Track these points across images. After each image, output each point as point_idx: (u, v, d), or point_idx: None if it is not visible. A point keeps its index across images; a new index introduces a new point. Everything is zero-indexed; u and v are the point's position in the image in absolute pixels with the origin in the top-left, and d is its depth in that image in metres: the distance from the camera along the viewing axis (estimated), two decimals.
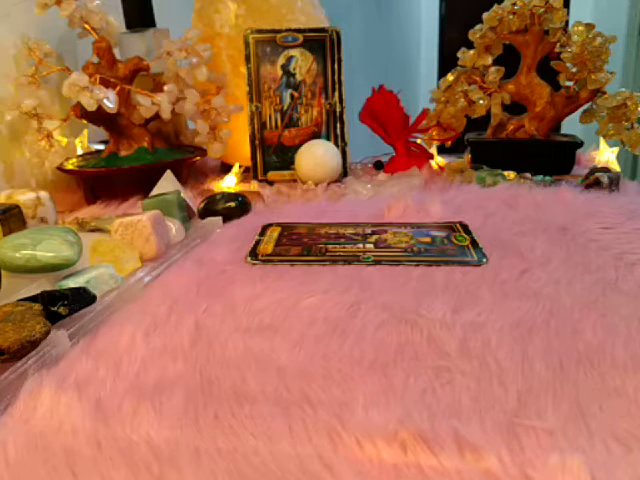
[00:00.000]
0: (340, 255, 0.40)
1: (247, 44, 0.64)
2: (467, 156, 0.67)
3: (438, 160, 0.69)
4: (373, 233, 0.44)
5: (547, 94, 0.63)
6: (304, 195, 0.59)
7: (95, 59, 0.62)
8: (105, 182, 0.62)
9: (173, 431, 0.21)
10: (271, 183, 0.65)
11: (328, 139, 0.66)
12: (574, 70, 0.61)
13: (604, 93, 0.60)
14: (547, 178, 0.59)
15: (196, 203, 0.52)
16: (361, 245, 0.42)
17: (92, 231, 0.48)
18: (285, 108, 0.66)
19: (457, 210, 0.48)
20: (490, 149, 0.66)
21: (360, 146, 0.73)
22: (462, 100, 0.64)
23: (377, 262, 0.38)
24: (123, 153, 0.64)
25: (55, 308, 0.30)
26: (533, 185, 0.56)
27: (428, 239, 0.42)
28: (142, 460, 0.20)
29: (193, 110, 0.64)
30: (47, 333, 0.28)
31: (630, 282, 0.33)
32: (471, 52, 0.65)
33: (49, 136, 0.61)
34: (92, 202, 0.61)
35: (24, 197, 0.47)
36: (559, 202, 0.50)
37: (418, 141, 0.70)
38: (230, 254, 0.41)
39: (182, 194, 0.50)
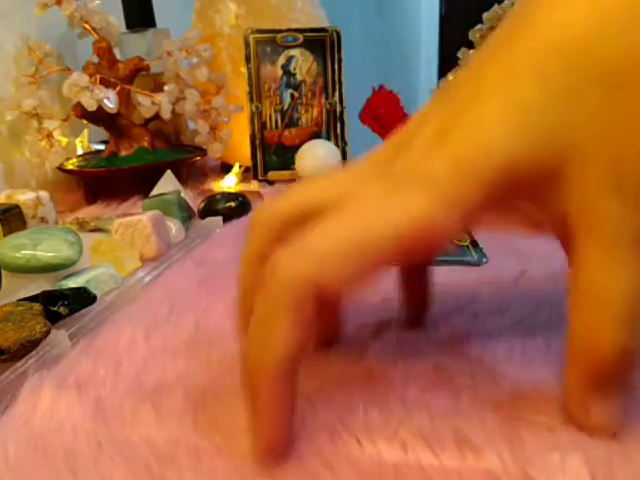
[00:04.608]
0: None
1: (247, 44, 0.64)
2: None
3: None
4: None
5: None
6: None
7: (95, 59, 0.62)
8: (105, 182, 0.62)
9: (173, 431, 0.21)
10: (271, 183, 0.65)
11: (328, 139, 0.66)
12: None
13: None
14: None
15: (196, 203, 0.52)
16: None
17: (92, 231, 0.48)
18: (285, 108, 0.66)
19: None
20: None
21: (360, 146, 0.72)
22: None
23: None
24: (123, 153, 0.64)
25: (55, 308, 0.30)
26: None
27: None
28: (142, 460, 0.20)
29: (193, 110, 0.64)
30: (47, 333, 0.28)
31: None
32: (471, 52, 0.65)
33: (49, 136, 0.61)
34: (92, 202, 0.61)
35: (24, 197, 0.48)
36: None
37: None
38: (230, 254, 0.41)
39: (182, 194, 0.50)
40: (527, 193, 0.18)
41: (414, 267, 0.27)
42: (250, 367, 0.19)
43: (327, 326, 0.26)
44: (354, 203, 0.19)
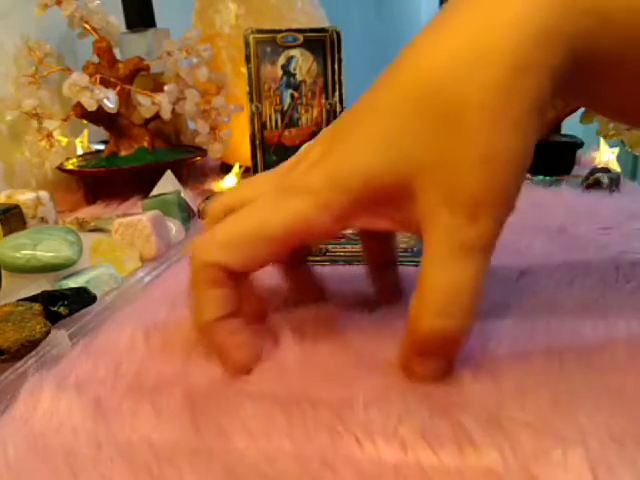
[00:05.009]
0: (340, 255, 0.40)
1: (247, 44, 0.64)
2: None
3: None
4: None
5: None
6: None
7: (95, 59, 0.62)
8: (105, 182, 0.62)
9: (173, 431, 0.21)
10: None
11: None
12: None
13: None
14: (547, 178, 0.59)
15: (196, 203, 0.52)
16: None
17: (92, 231, 0.48)
18: (285, 108, 0.66)
19: None
20: None
21: None
22: None
23: None
24: (123, 153, 0.64)
25: (55, 308, 0.30)
26: (533, 185, 0.56)
27: None
28: (142, 460, 0.20)
29: (193, 110, 0.64)
30: (47, 333, 0.28)
31: (630, 282, 0.33)
32: None
33: (49, 136, 0.61)
34: (92, 202, 0.61)
35: (24, 197, 0.48)
36: (559, 202, 0.50)
37: None
38: None
39: (182, 194, 0.50)
40: (390, 202, 0.23)
41: (375, 235, 0.30)
42: (195, 329, 0.26)
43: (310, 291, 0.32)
44: (256, 205, 0.25)
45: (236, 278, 0.25)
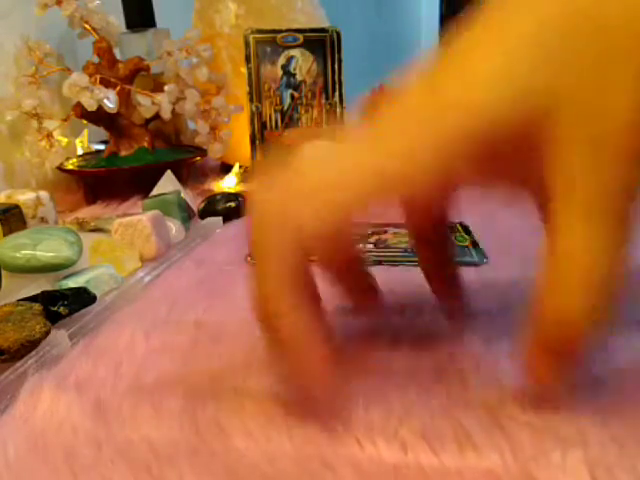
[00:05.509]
0: None
1: (247, 44, 0.64)
2: None
3: None
4: (373, 233, 0.44)
5: None
6: None
7: (95, 59, 0.62)
8: (105, 182, 0.62)
9: (173, 431, 0.21)
10: None
11: None
12: None
13: None
14: None
15: (196, 203, 0.52)
16: (361, 245, 0.42)
17: (92, 231, 0.48)
18: (285, 108, 0.66)
19: (457, 210, 0.48)
20: None
21: None
22: None
23: (377, 262, 0.38)
24: (123, 153, 0.64)
25: (55, 308, 0.30)
26: None
27: None
28: (142, 460, 0.20)
29: (193, 110, 0.64)
30: (47, 333, 0.28)
31: (630, 282, 0.33)
32: None
33: (49, 136, 0.61)
34: (92, 202, 0.61)
35: (24, 197, 0.47)
36: None
37: None
38: (230, 254, 0.41)
39: (182, 194, 0.50)
40: (506, 154, 0.18)
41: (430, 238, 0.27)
42: None
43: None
44: (344, 150, 0.21)
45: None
